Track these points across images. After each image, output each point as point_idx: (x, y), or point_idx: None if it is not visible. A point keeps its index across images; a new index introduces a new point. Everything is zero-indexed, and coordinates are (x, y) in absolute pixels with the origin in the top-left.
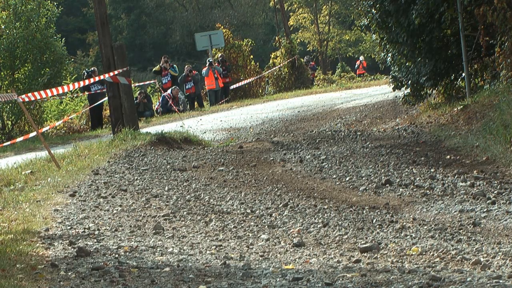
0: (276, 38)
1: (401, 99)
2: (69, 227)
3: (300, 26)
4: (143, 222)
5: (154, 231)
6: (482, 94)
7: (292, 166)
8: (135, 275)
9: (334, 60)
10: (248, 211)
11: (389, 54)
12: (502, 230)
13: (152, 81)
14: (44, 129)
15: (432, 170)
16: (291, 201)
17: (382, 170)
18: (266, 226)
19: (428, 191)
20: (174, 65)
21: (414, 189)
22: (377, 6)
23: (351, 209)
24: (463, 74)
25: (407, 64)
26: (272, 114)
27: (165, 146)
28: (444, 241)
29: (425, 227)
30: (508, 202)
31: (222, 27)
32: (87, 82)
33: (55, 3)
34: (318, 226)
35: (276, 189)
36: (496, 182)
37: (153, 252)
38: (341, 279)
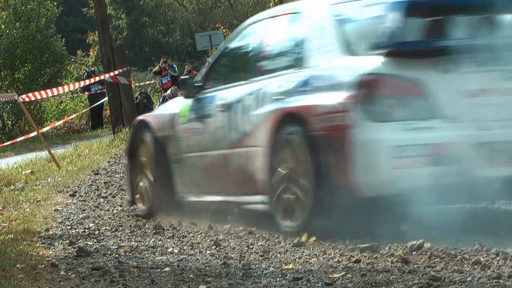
0: None
1: None
2: (69, 227)
3: None
4: (143, 222)
5: (154, 231)
6: None
7: None
8: (135, 275)
9: None
10: None
11: None
12: None
13: (152, 81)
14: (44, 129)
15: None
16: None
17: None
18: None
19: None
20: (174, 65)
21: None
22: None
23: None
24: None
25: None
26: None
27: None
28: (444, 241)
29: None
30: (508, 202)
31: (222, 27)
32: (87, 82)
33: (55, 3)
34: None
35: None
36: None
37: (153, 252)
38: (341, 279)
